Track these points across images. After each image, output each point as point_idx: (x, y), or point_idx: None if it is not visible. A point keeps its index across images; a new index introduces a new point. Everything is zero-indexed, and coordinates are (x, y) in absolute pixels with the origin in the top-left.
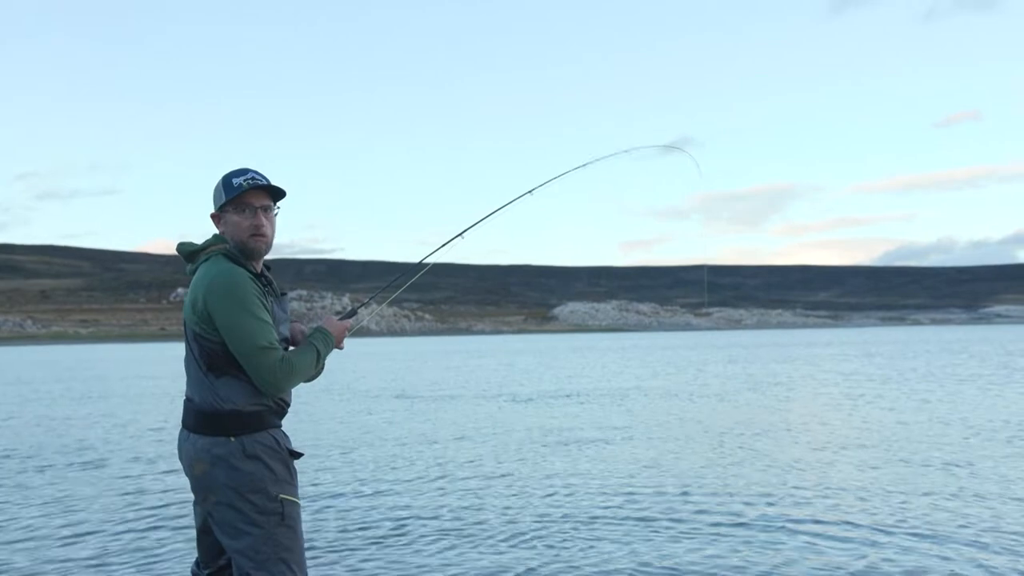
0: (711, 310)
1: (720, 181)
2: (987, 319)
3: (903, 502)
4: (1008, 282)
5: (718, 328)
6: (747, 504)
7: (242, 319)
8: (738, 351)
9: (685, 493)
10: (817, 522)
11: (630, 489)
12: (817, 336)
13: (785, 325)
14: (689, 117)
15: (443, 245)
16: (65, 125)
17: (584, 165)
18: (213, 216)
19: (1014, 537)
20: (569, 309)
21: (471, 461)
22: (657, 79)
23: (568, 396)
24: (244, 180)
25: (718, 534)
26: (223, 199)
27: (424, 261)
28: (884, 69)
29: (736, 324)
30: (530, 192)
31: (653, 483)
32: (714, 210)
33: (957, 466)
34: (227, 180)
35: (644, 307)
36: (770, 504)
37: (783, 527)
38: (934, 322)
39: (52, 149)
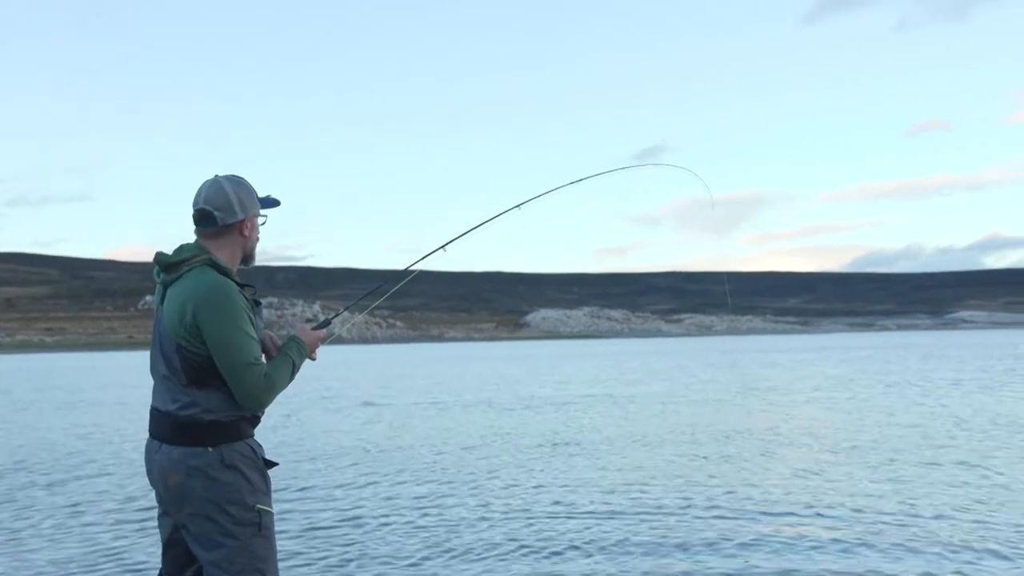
0: (681, 316)
1: (692, 189)
2: (952, 324)
3: (925, 504)
4: (973, 288)
5: (689, 334)
6: (777, 506)
7: (232, 334)
8: (717, 356)
9: (712, 506)
10: (854, 535)
11: (652, 497)
12: (790, 342)
13: (755, 331)
14: (664, 125)
15: (424, 257)
16: (37, 130)
17: (579, 181)
18: (244, 220)
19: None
20: (541, 316)
21: (459, 468)
22: (632, 86)
23: (567, 403)
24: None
25: (743, 542)
26: (258, 206)
27: (405, 273)
28: (856, 78)
29: (707, 330)
30: (518, 207)
31: (677, 493)
32: (686, 218)
33: (972, 466)
34: (253, 188)
35: (616, 313)
36: (797, 509)
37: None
38: (900, 328)
39: (24, 154)
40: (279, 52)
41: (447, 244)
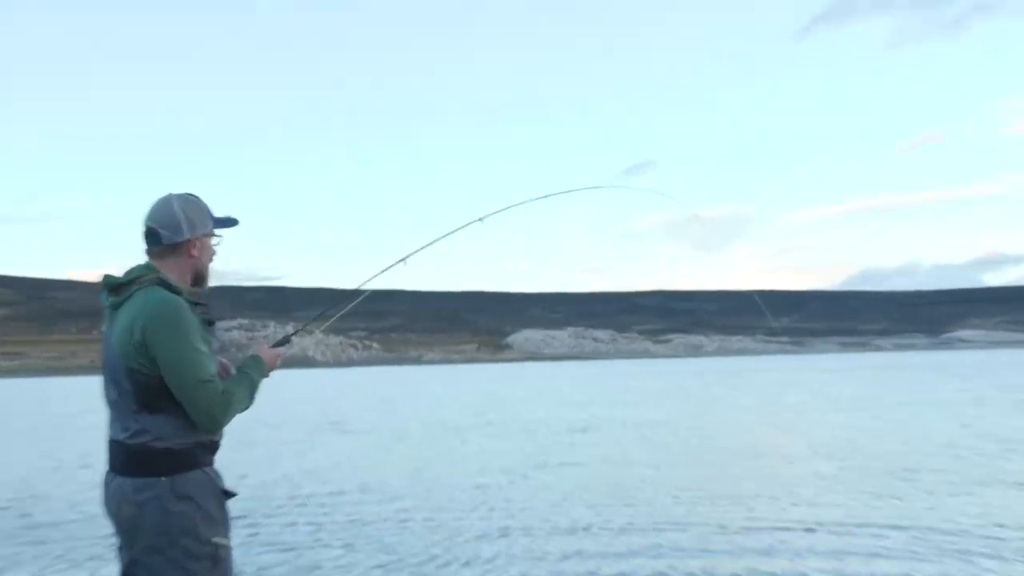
0: (669, 336)
1: (680, 205)
2: (950, 344)
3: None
4: (972, 306)
5: (677, 355)
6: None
7: (183, 351)
8: (715, 377)
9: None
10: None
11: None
12: (783, 362)
13: (746, 351)
14: (651, 140)
15: (383, 271)
16: None
17: (545, 197)
18: (193, 240)
19: None
20: (524, 337)
21: (504, 497)
22: (618, 101)
23: (588, 428)
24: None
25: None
26: (210, 225)
27: (362, 287)
28: (849, 93)
29: (696, 351)
30: (480, 220)
31: (751, 514)
32: (673, 234)
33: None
34: (206, 206)
35: (601, 334)
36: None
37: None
38: (896, 347)
39: None
40: (245, 63)
41: (406, 258)
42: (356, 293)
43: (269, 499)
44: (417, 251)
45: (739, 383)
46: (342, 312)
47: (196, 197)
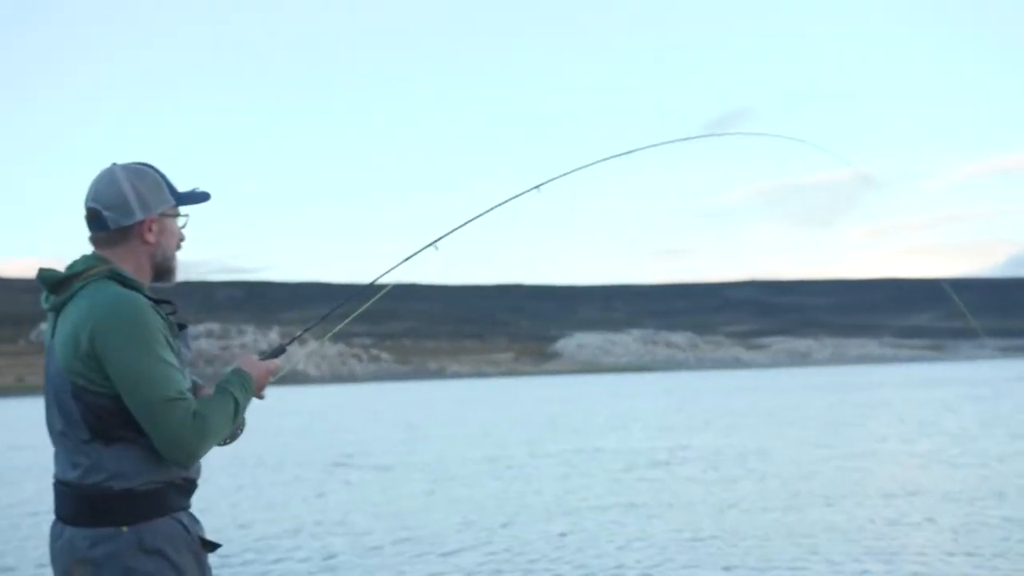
0: (766, 340)
1: (780, 167)
2: None
3: None
4: None
5: (778, 365)
6: None
7: (145, 361)
8: (831, 392)
9: None
10: None
11: None
12: (923, 373)
13: (869, 359)
14: (745, 84)
15: (409, 257)
16: None
17: (614, 157)
18: (149, 220)
19: None
20: (576, 343)
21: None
22: (704, 35)
23: (673, 462)
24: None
25: None
26: (170, 200)
27: (380, 281)
28: (997, 10)
29: (802, 359)
30: (537, 188)
31: None
32: (773, 206)
33: None
34: (163, 177)
35: (678, 337)
36: None
37: None
38: None
39: None
40: (218, 20)
41: (438, 240)
42: (372, 289)
43: (279, 557)
44: (456, 229)
45: (866, 400)
46: (358, 312)
47: (148, 166)
